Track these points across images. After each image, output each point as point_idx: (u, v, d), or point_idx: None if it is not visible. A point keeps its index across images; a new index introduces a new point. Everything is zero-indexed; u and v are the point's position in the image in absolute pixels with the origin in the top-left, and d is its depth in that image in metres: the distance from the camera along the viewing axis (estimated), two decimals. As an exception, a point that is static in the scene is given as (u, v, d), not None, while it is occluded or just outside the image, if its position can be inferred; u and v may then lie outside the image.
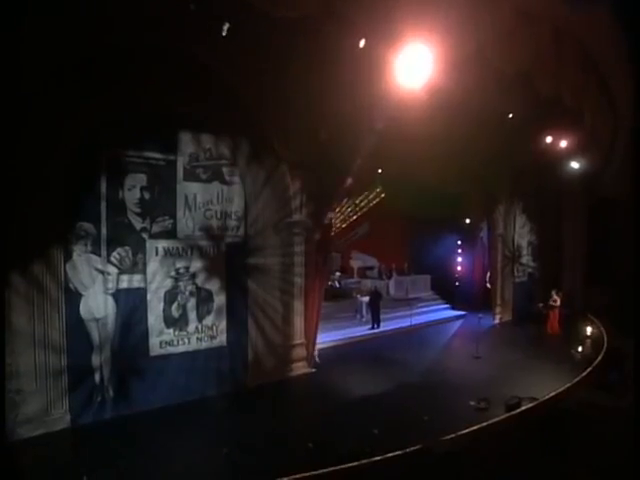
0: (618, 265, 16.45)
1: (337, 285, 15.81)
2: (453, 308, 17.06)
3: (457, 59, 8.53)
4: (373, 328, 13.85)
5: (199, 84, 8.16)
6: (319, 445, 6.89)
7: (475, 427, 7.64)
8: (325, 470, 6.10)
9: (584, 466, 6.78)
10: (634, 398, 6.40)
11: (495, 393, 8.92)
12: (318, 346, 11.82)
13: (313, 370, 10.35)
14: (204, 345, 8.84)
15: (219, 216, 8.97)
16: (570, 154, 14.51)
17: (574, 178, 15.58)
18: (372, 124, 9.62)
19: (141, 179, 8.08)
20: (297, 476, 5.95)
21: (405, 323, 14.19)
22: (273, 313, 9.65)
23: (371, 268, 17.50)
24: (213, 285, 8.90)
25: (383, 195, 20.08)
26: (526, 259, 16.73)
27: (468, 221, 19.64)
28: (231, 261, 9.09)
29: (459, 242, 20.10)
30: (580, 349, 12.30)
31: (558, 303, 14.38)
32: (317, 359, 10.93)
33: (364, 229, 19.43)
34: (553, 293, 14.42)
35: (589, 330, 14.14)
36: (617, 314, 14.79)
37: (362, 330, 13.75)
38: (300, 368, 10.07)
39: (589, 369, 10.68)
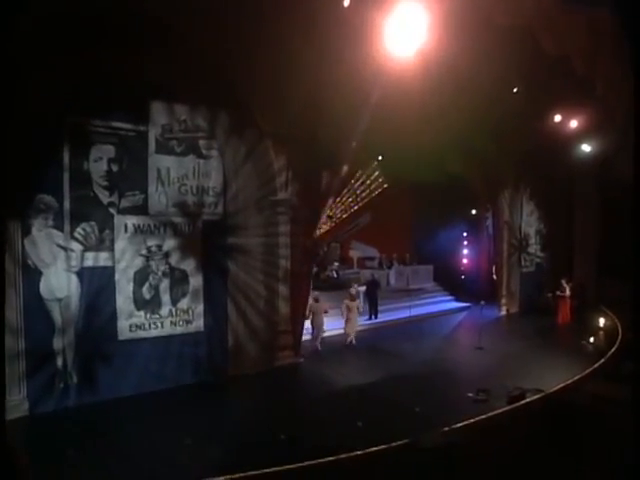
0: (633, 255, 15.31)
1: (335, 275, 15.00)
2: (457, 300, 16.09)
3: (454, 18, 7.70)
4: (370, 319, 13.01)
5: (173, 51, 7.44)
6: (295, 438, 6.09)
7: (472, 420, 6.78)
8: (292, 466, 5.31)
9: (594, 465, 5.89)
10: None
11: (497, 384, 8.02)
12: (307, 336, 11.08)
13: (301, 360, 9.54)
14: (179, 330, 8.11)
15: (195, 192, 8.24)
16: (581, 135, 13.46)
17: (586, 162, 14.48)
18: (364, 95, 8.84)
19: (108, 150, 7.40)
20: (256, 472, 5.18)
21: (405, 314, 13.29)
22: (255, 297, 8.88)
23: (371, 258, 16.62)
24: (188, 265, 8.18)
25: (385, 185, 19.31)
26: (534, 248, 15.67)
27: (474, 212, 18.78)
28: (208, 240, 8.35)
29: (465, 234, 19.22)
30: (592, 340, 11.27)
31: (568, 293, 13.38)
32: (354, 341, 10.76)
33: (365, 219, 18.57)
34: (563, 282, 13.43)
35: (602, 321, 13.12)
36: (632, 306, 13.79)
37: (358, 321, 12.88)
38: (286, 357, 9.27)
39: (601, 360, 9.68)
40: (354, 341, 10.88)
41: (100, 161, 7.31)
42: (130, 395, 7.38)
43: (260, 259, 8.92)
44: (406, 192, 19.66)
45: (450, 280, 16.92)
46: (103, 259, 7.39)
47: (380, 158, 17.29)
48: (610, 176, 15.54)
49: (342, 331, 11.13)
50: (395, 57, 8.20)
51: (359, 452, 5.74)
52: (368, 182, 19.22)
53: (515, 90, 11.03)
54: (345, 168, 9.52)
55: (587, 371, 8.98)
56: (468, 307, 15.34)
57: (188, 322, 8.21)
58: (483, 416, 6.92)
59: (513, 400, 7.38)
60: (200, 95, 8.13)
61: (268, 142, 8.89)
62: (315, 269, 14.39)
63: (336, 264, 15.58)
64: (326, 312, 10.45)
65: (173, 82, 7.83)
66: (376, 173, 19.19)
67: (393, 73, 8.40)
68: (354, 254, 17.02)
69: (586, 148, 14.05)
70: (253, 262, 8.82)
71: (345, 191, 18.82)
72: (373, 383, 8.39)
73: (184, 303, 8.16)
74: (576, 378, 8.57)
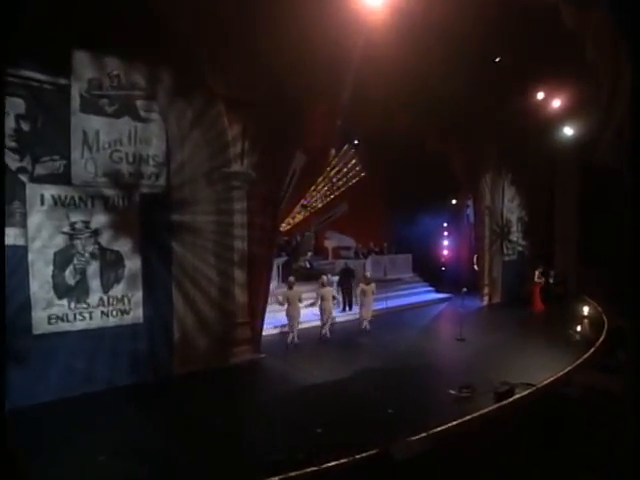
0: (616, 243, 14.48)
1: (308, 266, 13.73)
2: (437, 290, 14.97)
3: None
4: (344, 311, 11.75)
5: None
6: (236, 453, 4.80)
7: (454, 422, 5.58)
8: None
9: (590, 467, 4.81)
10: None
11: (481, 379, 6.86)
12: (273, 329, 9.82)
13: (262, 355, 8.21)
14: (112, 321, 6.70)
15: (131, 160, 6.84)
16: (564, 117, 12.52)
17: (567, 147, 13.53)
18: (340, 55, 7.68)
19: (17, 104, 5.96)
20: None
21: (382, 305, 12.09)
22: (207, 284, 7.52)
23: (347, 248, 15.37)
24: (123, 246, 6.77)
25: (363, 174, 18.19)
26: (516, 236, 14.64)
27: (454, 201, 17.82)
28: (148, 217, 6.94)
29: (445, 224, 18.26)
30: (579, 329, 10.27)
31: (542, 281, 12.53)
32: (368, 327, 10.07)
33: (342, 208, 17.43)
34: (537, 272, 12.58)
35: (586, 310, 12.21)
36: (614, 295, 13.00)
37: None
38: (244, 353, 7.93)
39: (591, 350, 8.63)
40: (368, 326, 10.21)
41: (5, 117, 5.86)
42: (49, 400, 5.97)
43: (212, 240, 7.56)
44: (384, 181, 18.61)
45: (430, 270, 15.82)
46: (12, 237, 5.93)
47: (356, 142, 16.18)
48: (591, 162, 14.67)
49: (306, 325, 9.94)
50: (363, 8, 7.08)
51: (314, 467, 4.47)
52: (345, 170, 18.09)
53: (497, 60, 9.97)
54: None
55: (577, 362, 7.90)
56: (449, 298, 14.23)
57: (123, 312, 6.80)
58: (467, 417, 5.73)
59: (501, 397, 6.21)
60: (138, 47, 6.72)
61: (220, 106, 7.55)
62: (284, 257, 13.15)
63: (310, 254, 14.32)
64: (334, 298, 9.80)
65: (103, 29, 6.42)
66: (353, 161, 18.10)
67: (362, 26, 7.27)
68: (329, 244, 15.81)
69: (568, 131, 13.11)
70: (203, 243, 7.46)
71: (320, 179, 17.67)
72: (342, 381, 7.12)
73: (118, 290, 6.75)
74: (567, 370, 7.47)
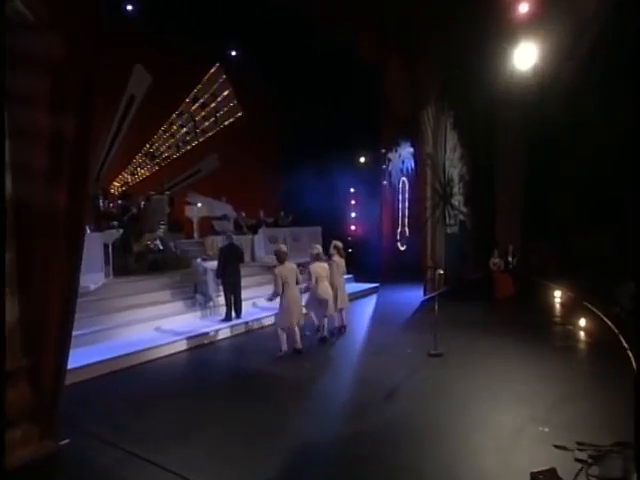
0: (561, 213, 13.78)
1: (160, 247, 9.65)
2: (356, 279, 12.39)
3: None
4: (228, 319, 8.23)
5: None
6: None
7: None
8: None
9: None
10: None
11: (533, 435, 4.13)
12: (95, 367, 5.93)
13: (63, 442, 4.19)
14: None
15: None
16: (525, 33, 10.89)
17: (516, 90, 11.98)
18: None
19: None
20: None
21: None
22: None
23: (224, 218, 11.58)
24: None
25: (240, 114, 14.59)
26: (457, 200, 12.76)
27: (363, 160, 15.49)
28: None
29: (352, 190, 15.88)
30: (582, 324, 8.57)
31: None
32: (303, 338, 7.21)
33: (212, 163, 13.61)
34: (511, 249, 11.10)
35: (557, 295, 10.99)
36: (569, 273, 12.15)
37: (206, 325, 8.04)
38: (14, 447, 3.84)
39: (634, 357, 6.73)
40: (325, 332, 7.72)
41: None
42: None
43: None
44: (275, 123, 15.40)
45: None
46: None
47: (234, 54, 12.41)
48: (540, 114, 13.54)
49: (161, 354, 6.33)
50: None
51: None
52: (214, 104, 14.21)
53: None
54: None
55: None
56: (375, 288, 11.76)
57: None
58: None
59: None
60: None
61: None
62: (119, 231, 8.99)
63: (162, 228, 10.19)
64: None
65: None
66: (227, 92, 14.31)
67: None
68: (193, 213, 11.87)
69: (523, 63, 11.49)
70: None
71: (174, 116, 13.49)
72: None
73: None
74: None
